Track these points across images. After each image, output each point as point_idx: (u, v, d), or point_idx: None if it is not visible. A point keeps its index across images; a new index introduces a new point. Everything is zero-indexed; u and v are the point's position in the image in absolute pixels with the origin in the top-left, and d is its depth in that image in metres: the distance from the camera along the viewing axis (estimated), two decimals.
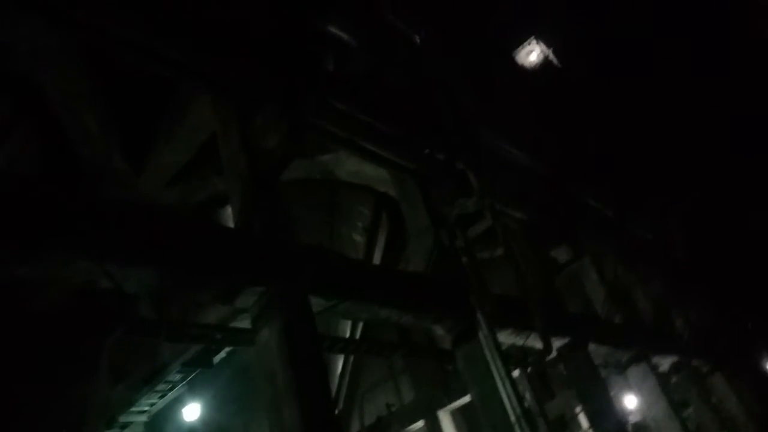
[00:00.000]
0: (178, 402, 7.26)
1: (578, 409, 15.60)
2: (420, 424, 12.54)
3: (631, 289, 13.80)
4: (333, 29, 7.39)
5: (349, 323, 12.15)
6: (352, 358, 12.93)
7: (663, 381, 11.08)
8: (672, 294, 15.77)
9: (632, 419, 14.03)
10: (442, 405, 11.97)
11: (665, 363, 12.63)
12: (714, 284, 19.19)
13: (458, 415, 13.71)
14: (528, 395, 7.21)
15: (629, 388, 12.30)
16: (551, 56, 26.69)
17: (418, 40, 9.27)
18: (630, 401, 13.62)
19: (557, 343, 8.70)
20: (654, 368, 11.07)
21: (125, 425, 6.97)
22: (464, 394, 11.16)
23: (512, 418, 6.25)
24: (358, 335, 11.98)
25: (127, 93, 7.64)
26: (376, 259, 12.04)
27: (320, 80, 7.20)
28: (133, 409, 6.77)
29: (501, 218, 9.25)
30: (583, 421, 15.69)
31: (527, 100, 16.19)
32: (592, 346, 9.64)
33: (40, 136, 7.70)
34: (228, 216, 8.89)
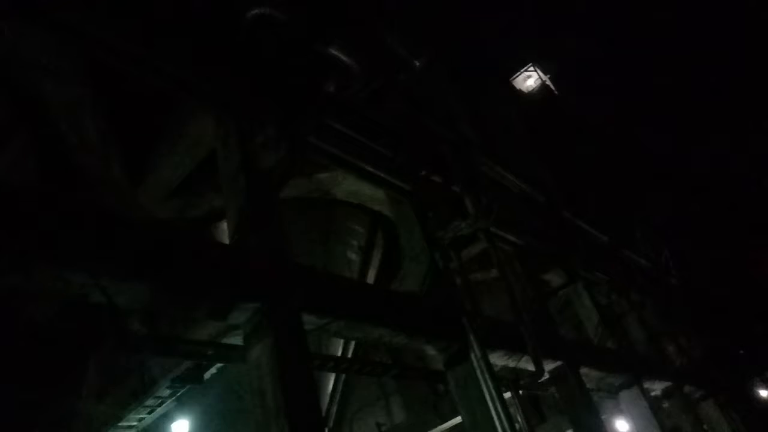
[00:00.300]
0: (167, 418, 7.22)
1: None
2: None
3: (624, 314, 13.85)
4: (334, 51, 7.53)
5: (341, 342, 12.13)
6: (343, 378, 12.86)
7: (655, 406, 11.07)
8: (665, 320, 15.83)
9: None
10: (433, 426, 11.88)
11: (657, 388, 12.64)
12: (707, 311, 19.27)
13: None
14: (519, 418, 7.21)
15: (621, 412, 12.28)
16: (548, 82, 27.08)
17: (418, 65, 9.44)
18: (621, 425, 13.58)
19: (549, 366, 8.72)
20: (646, 393, 11.06)
21: None
22: (455, 416, 11.09)
23: None
24: (349, 354, 11.95)
25: (128, 104, 7.73)
26: (371, 277, 12.07)
27: (320, 101, 7.32)
28: (122, 423, 6.72)
29: (495, 241, 9.34)
30: None
31: (524, 125, 16.40)
32: (584, 370, 9.66)
33: (38, 144, 7.76)
34: (223, 232, 8.95)
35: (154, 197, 8.19)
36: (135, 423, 6.77)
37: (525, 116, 18.09)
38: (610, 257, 14.90)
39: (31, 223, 3.73)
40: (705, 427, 13.41)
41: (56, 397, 8.36)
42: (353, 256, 12.13)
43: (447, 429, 12.19)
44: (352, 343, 12.41)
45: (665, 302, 16.67)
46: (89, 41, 5.66)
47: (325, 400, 12.44)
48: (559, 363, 9.07)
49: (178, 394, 6.31)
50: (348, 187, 10.05)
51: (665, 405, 13.07)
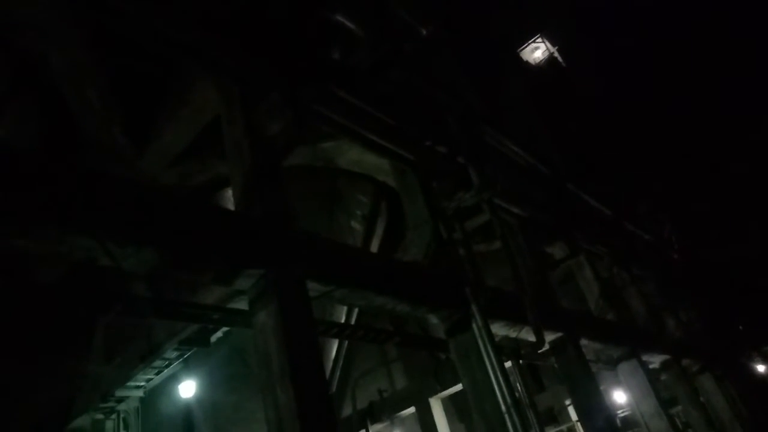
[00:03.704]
0: (174, 379, 7.38)
1: (568, 401, 15.83)
2: (411, 410, 12.70)
3: (625, 287, 13.92)
4: (340, 18, 7.40)
5: (344, 309, 12.27)
6: (346, 345, 13.06)
7: (653, 378, 11.22)
8: (665, 294, 15.92)
9: (621, 414, 14.24)
10: (434, 393, 12.12)
11: (656, 361, 12.79)
12: (707, 286, 19.36)
13: (449, 403, 13.89)
14: (519, 386, 7.32)
15: (619, 383, 12.48)
16: (556, 54, 26.64)
17: (425, 33, 9.29)
18: (619, 396, 13.82)
19: (550, 336, 8.81)
20: (644, 365, 11.20)
21: (121, 399, 7.08)
22: (456, 383, 11.31)
23: (503, 407, 6.36)
24: (353, 321, 12.09)
25: (131, 68, 7.66)
26: (374, 247, 12.13)
27: (326, 69, 7.24)
28: (130, 383, 6.87)
29: (499, 213, 9.34)
30: (572, 413, 15.92)
31: (530, 97, 16.21)
32: (584, 341, 9.76)
33: (41, 108, 7.73)
34: (228, 199, 8.96)
35: (158, 163, 8.18)
36: (143, 383, 6.92)
37: (532, 88, 17.88)
38: (613, 231, 14.91)
39: (35, 186, 3.73)
40: (701, 399, 13.61)
41: (63, 358, 8.52)
42: (357, 225, 12.17)
43: (447, 396, 12.44)
44: (356, 311, 12.56)
45: (666, 276, 16.73)
46: (91, 3, 5.58)
47: (329, 365, 12.65)
48: (559, 334, 9.16)
49: (185, 356, 6.43)
50: (352, 156, 10.01)
51: (663, 377, 13.25)
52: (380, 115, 8.10)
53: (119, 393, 6.95)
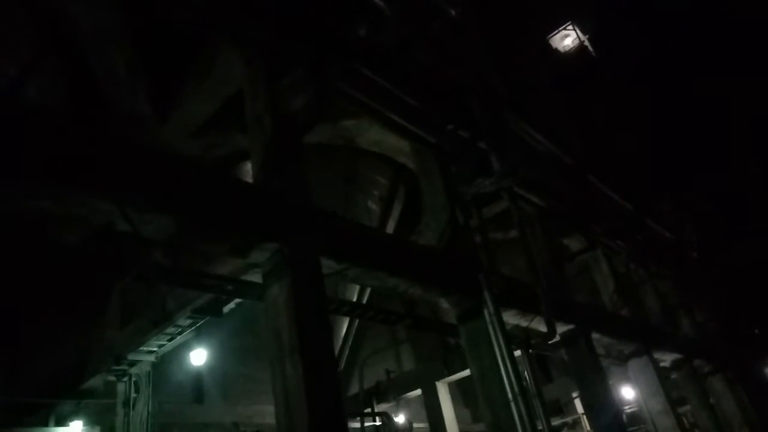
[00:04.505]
0: (185, 347, 7.50)
1: (575, 394, 15.80)
2: (417, 392, 12.78)
3: (641, 283, 13.76)
4: None
5: (356, 290, 12.32)
6: (356, 324, 13.14)
7: (663, 376, 11.13)
8: (682, 293, 15.72)
9: (628, 410, 14.18)
10: (441, 377, 12.16)
11: (667, 359, 12.68)
12: (725, 288, 19.05)
13: (455, 388, 13.96)
14: (527, 376, 7.31)
15: (628, 380, 12.39)
16: (587, 43, 26.04)
17: (453, 14, 9.13)
18: (627, 392, 13.75)
19: (561, 328, 8.75)
20: (655, 363, 11.11)
21: (133, 363, 7.22)
22: (463, 369, 11.32)
23: (509, 395, 6.36)
24: (364, 301, 12.15)
25: (157, 37, 7.66)
26: (390, 229, 12.12)
27: (351, 46, 7.16)
28: (142, 348, 7.00)
29: (518, 202, 9.23)
30: (578, 406, 15.90)
31: (557, 86, 15.93)
32: (595, 335, 9.70)
33: (68, 73, 7.79)
34: (247, 173, 8.99)
35: (179, 133, 8.22)
36: (155, 349, 7.05)
37: (559, 76, 17.56)
38: (632, 226, 14.70)
39: (59, 148, 3.77)
40: (711, 400, 13.48)
41: (80, 320, 8.71)
42: (374, 206, 12.16)
43: (454, 380, 12.48)
44: (368, 292, 12.61)
45: (684, 275, 16.50)
46: None
47: (338, 343, 12.76)
48: (571, 326, 9.11)
49: (197, 324, 6.52)
50: (373, 136, 9.96)
51: (673, 376, 13.14)
52: (403, 95, 8.03)
53: (132, 357, 7.10)
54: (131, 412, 7.04)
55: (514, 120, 10.85)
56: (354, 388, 12.73)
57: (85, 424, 8.76)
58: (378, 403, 11.98)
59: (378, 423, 8.65)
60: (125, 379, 7.23)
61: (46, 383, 9.12)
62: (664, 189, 19.74)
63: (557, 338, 8.71)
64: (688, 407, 13.23)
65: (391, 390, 12.72)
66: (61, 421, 8.79)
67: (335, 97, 7.14)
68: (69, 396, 8.54)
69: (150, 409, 7.19)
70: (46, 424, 8.68)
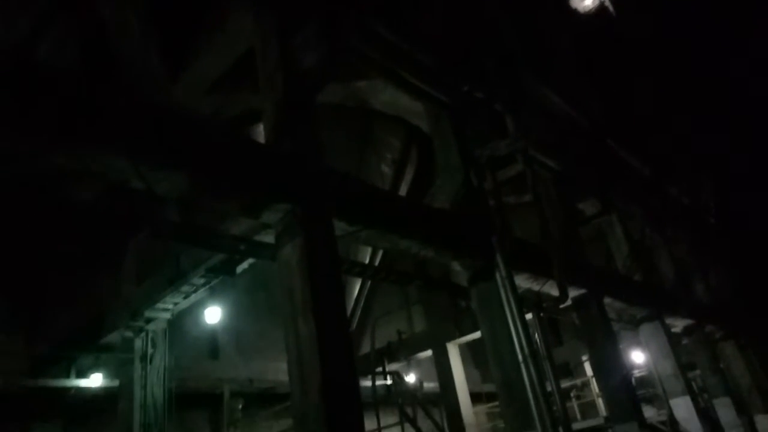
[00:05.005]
0: (200, 305, 7.64)
1: (584, 357, 15.95)
2: (428, 353, 12.98)
3: (656, 249, 13.66)
4: None
5: (368, 252, 12.39)
6: (368, 285, 13.27)
7: (674, 341, 11.16)
8: (696, 259, 15.59)
9: (637, 373, 14.30)
10: (452, 338, 12.31)
11: (679, 325, 12.68)
12: (741, 254, 18.88)
13: (466, 349, 14.15)
14: (537, 338, 7.35)
15: (639, 344, 12.45)
16: (607, 3, 25.17)
17: None
18: (637, 356, 13.84)
19: (573, 292, 8.75)
20: (666, 328, 11.12)
21: (150, 320, 7.37)
22: (474, 330, 11.44)
23: (520, 357, 6.42)
24: (376, 263, 12.23)
25: None
26: (402, 192, 12.08)
27: (364, 1, 6.97)
28: (158, 305, 7.13)
29: (533, 164, 9.11)
30: (588, 369, 16.07)
31: (576, 46, 15.48)
32: (607, 300, 9.69)
33: (80, 30, 7.72)
34: (259, 134, 8.94)
35: (192, 92, 8.16)
36: (170, 306, 7.18)
37: (577, 37, 17.04)
38: (649, 190, 14.50)
39: (73, 104, 3.75)
40: (721, 365, 13.53)
41: (98, 277, 8.90)
42: (386, 169, 12.10)
43: (465, 342, 12.64)
44: (379, 254, 12.68)
45: (700, 241, 16.34)
46: None
47: (350, 304, 12.93)
48: (583, 291, 9.10)
49: (211, 283, 6.61)
50: (386, 97, 9.82)
51: (684, 342, 13.17)
52: (418, 54, 7.86)
53: (148, 314, 7.24)
54: (148, 367, 7.24)
55: (531, 81, 10.61)
56: (365, 348, 12.95)
57: (104, 377, 9.06)
58: (389, 362, 12.18)
59: (389, 382, 8.82)
60: (142, 334, 7.41)
61: (66, 337, 9.40)
62: (683, 153, 19.36)
63: (569, 302, 8.73)
64: (698, 372, 13.30)
65: (402, 350, 12.92)
66: (82, 374, 9.09)
67: (348, 55, 7.01)
68: (88, 350, 8.81)
69: (167, 364, 7.38)
70: (67, 376, 8.99)
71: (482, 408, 15.56)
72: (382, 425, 7.88)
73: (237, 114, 9.14)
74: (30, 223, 9.40)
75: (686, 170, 18.05)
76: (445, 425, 11.91)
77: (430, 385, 13.71)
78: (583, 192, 12.02)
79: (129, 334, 7.56)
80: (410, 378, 13.21)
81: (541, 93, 11.00)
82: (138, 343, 7.47)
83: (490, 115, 8.72)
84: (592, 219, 11.98)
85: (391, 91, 9.26)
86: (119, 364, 8.21)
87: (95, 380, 9.00)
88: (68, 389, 8.87)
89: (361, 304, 13.16)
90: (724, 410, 12.02)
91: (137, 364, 7.37)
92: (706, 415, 11.43)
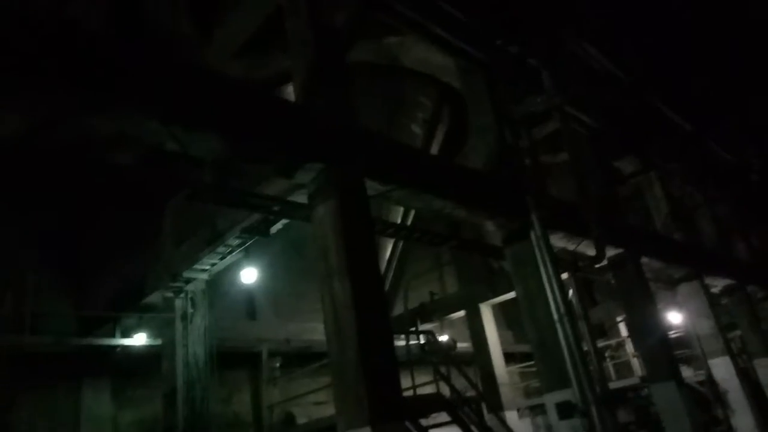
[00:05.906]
0: (237, 266, 7.78)
1: (619, 318, 15.79)
2: (461, 313, 13.03)
3: (696, 207, 13.25)
4: None
5: (400, 213, 12.36)
6: (401, 246, 13.29)
7: (713, 302, 10.92)
8: (738, 217, 15.09)
9: (674, 334, 14.11)
10: (485, 299, 12.32)
11: (718, 284, 12.38)
12: None
13: (498, 310, 14.16)
14: (573, 298, 7.26)
15: (676, 304, 12.23)
16: None
17: None
18: (674, 317, 13.61)
19: (610, 252, 8.57)
20: (706, 288, 10.87)
21: (189, 280, 7.56)
22: (507, 291, 11.40)
23: (555, 316, 6.36)
24: (408, 223, 12.21)
25: None
26: (433, 152, 11.92)
27: None
28: (196, 266, 7.29)
29: (569, 121, 8.83)
30: (623, 330, 15.93)
31: None
32: (645, 260, 9.49)
33: None
34: (289, 95, 8.88)
35: (222, 53, 8.12)
36: (208, 267, 7.34)
37: None
38: (690, 147, 13.97)
39: (106, 65, 3.75)
40: (762, 326, 13.21)
41: (139, 238, 9.15)
42: (417, 129, 11.92)
43: (498, 303, 12.63)
44: (411, 215, 12.64)
45: (742, 199, 15.77)
46: None
47: (383, 266, 12.99)
48: (620, 250, 8.92)
49: (247, 244, 6.70)
50: (417, 54, 9.58)
51: (724, 302, 12.87)
52: (450, 8, 7.60)
53: (187, 275, 7.42)
54: (189, 326, 7.45)
55: (567, 34, 10.19)
56: (398, 309, 13.07)
57: (147, 336, 9.40)
58: (422, 323, 12.28)
59: (423, 341, 8.92)
60: (182, 295, 7.61)
61: (111, 299, 9.76)
62: (727, 109, 18.53)
63: (605, 262, 8.57)
64: (737, 332, 13.04)
65: (435, 311, 13.00)
66: (126, 333, 9.46)
67: (377, 10, 6.82)
68: (132, 310, 9.14)
69: (207, 324, 7.59)
70: (113, 336, 9.36)
71: (515, 368, 15.66)
72: (416, 383, 7.98)
73: (267, 76, 9.07)
74: (76, 191, 9.68)
75: (730, 127, 17.30)
76: (479, 384, 12.04)
77: (463, 345, 13.82)
78: (621, 149, 11.65)
79: (169, 294, 7.77)
80: (443, 338, 13.32)
81: (578, 46, 10.58)
82: (178, 303, 7.68)
83: (525, 71, 8.44)
84: (631, 177, 11.66)
85: (422, 48, 9.02)
86: (161, 324, 8.49)
87: (139, 339, 9.35)
88: (114, 347, 9.26)
89: (394, 265, 13.21)
90: (766, 371, 11.80)
91: (178, 324, 7.59)
92: (746, 375, 11.25)
